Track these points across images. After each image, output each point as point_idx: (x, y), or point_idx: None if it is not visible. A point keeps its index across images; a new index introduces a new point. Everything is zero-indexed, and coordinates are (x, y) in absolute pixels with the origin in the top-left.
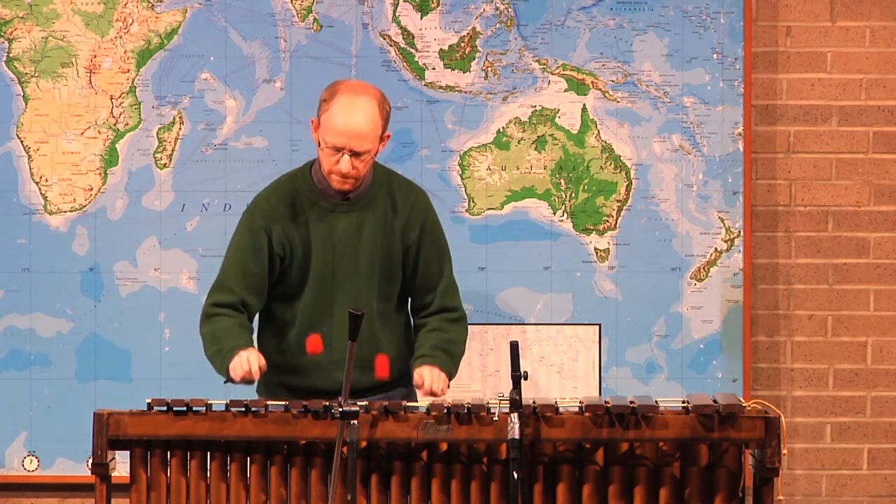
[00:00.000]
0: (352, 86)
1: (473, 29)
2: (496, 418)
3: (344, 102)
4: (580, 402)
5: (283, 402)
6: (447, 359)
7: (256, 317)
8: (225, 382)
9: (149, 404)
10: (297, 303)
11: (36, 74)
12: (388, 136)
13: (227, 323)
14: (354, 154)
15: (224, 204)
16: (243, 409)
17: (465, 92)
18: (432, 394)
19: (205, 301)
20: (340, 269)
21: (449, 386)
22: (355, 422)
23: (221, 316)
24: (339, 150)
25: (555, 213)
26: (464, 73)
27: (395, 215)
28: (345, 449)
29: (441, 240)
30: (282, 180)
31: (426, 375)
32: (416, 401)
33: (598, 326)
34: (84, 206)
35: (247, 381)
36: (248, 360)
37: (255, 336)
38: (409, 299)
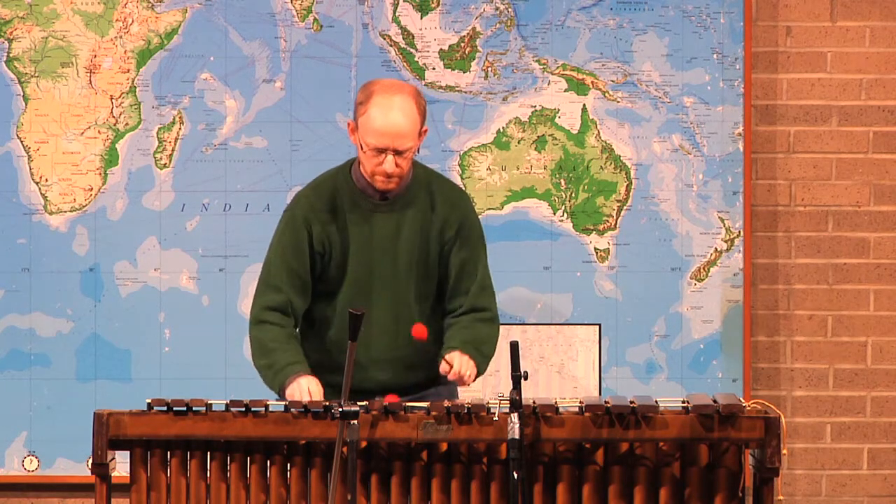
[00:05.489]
0: (386, 85)
1: (473, 29)
2: (496, 418)
3: (381, 103)
4: (580, 402)
5: (283, 402)
6: (477, 354)
7: None
8: (277, 400)
9: (149, 404)
10: (336, 301)
11: (36, 74)
12: (426, 131)
13: (276, 334)
14: (397, 153)
15: (224, 204)
16: (243, 409)
17: (465, 92)
18: (460, 379)
19: (252, 303)
20: (379, 268)
21: (475, 379)
22: (355, 422)
23: (270, 324)
24: (382, 151)
25: (555, 213)
26: (464, 73)
27: (433, 215)
28: (345, 449)
29: (478, 242)
30: (322, 178)
31: (455, 360)
32: (459, 399)
33: (598, 326)
34: (84, 206)
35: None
36: (310, 392)
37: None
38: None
